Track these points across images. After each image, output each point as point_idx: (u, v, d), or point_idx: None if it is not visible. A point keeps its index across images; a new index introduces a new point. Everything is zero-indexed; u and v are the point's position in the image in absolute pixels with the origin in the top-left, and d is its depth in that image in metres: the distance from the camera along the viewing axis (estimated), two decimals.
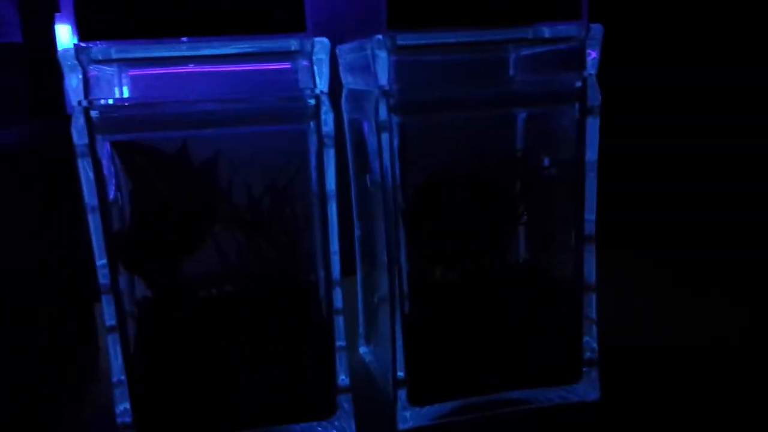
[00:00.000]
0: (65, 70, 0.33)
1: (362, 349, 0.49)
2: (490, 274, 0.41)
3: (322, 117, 0.36)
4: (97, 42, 0.33)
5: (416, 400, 0.40)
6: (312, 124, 0.36)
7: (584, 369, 0.42)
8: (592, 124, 0.40)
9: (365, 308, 0.48)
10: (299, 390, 0.39)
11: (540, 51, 0.40)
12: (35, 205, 0.41)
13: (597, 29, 0.39)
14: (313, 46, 0.35)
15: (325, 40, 0.35)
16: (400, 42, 0.36)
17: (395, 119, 0.37)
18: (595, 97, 0.39)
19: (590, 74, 0.39)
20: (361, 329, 0.49)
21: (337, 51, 0.43)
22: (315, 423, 0.39)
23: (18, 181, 0.37)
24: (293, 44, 0.35)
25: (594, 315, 0.42)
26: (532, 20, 0.38)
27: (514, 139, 0.42)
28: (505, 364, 0.41)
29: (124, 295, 0.37)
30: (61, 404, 0.41)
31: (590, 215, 0.41)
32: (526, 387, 0.42)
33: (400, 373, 0.40)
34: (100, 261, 0.36)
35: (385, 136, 0.37)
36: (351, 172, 0.45)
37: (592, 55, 0.39)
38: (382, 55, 0.36)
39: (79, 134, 0.34)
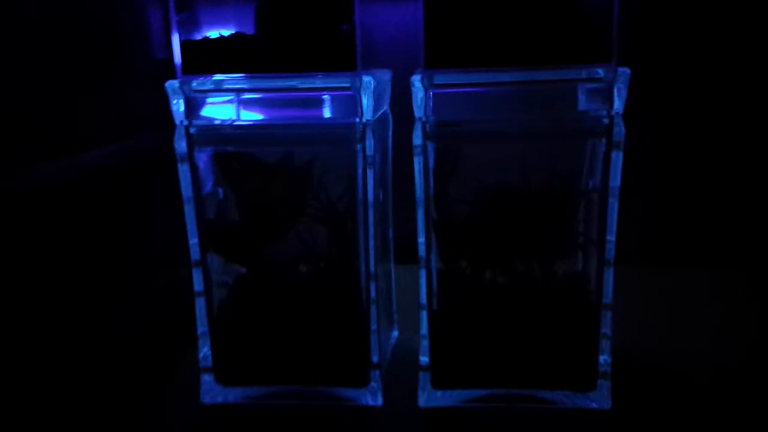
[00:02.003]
0: (170, 96, 0.49)
1: None
2: (511, 282, 0.51)
3: (366, 142, 0.48)
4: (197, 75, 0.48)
5: (437, 384, 0.52)
6: (359, 146, 0.49)
7: (599, 380, 0.51)
8: (617, 157, 0.48)
9: None
10: (340, 360, 0.53)
11: (572, 89, 0.48)
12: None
13: (624, 72, 0.46)
14: (360, 83, 0.47)
15: (369, 78, 0.47)
16: (436, 80, 0.47)
17: (431, 145, 0.49)
18: (620, 133, 0.47)
19: (617, 113, 0.47)
20: None
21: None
22: (351, 389, 0.53)
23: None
24: (345, 81, 0.47)
25: (609, 331, 0.50)
26: (564, 62, 0.47)
27: (543, 164, 0.51)
28: (520, 363, 0.52)
29: (211, 268, 0.53)
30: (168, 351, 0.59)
31: (611, 237, 0.49)
32: (540, 387, 0.52)
33: (424, 359, 0.52)
34: (192, 240, 0.52)
35: (419, 159, 0.48)
36: None
37: (620, 94, 0.47)
38: (419, 91, 0.47)
39: (179, 146, 0.49)
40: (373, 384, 0.53)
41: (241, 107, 0.49)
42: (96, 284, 0.53)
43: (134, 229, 0.57)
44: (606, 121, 0.47)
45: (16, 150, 0.42)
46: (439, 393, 0.52)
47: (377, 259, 0.52)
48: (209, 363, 0.54)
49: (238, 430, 0.51)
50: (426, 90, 0.47)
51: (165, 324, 0.65)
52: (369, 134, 0.48)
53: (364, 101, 0.48)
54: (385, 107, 0.56)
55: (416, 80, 0.47)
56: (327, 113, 0.49)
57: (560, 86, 0.47)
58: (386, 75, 0.55)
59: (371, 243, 0.50)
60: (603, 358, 0.51)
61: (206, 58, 0.48)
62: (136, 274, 0.60)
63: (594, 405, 0.51)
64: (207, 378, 0.54)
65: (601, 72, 0.46)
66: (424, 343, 0.52)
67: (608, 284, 0.50)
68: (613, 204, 0.48)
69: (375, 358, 0.52)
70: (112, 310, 0.56)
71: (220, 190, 0.54)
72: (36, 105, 0.46)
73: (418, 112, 0.48)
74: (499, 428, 0.50)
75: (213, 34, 0.48)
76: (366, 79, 0.47)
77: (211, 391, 0.54)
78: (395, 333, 0.63)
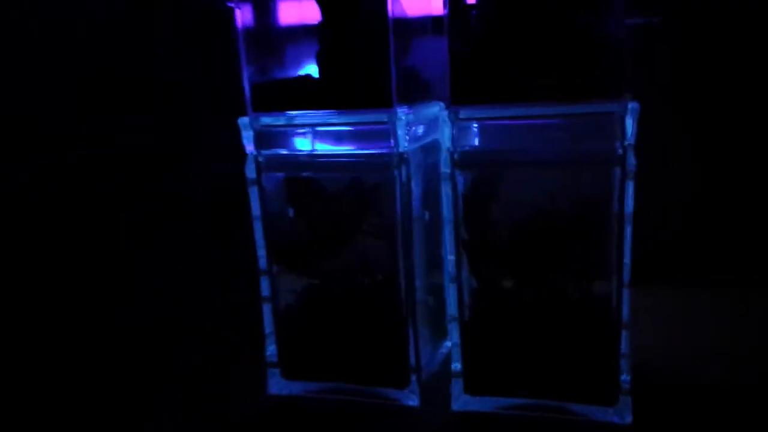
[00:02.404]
0: (242, 131, 0.58)
1: None
2: (536, 299, 0.56)
3: (402, 170, 0.55)
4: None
5: (469, 390, 0.58)
6: (396, 173, 0.56)
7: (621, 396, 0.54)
8: (629, 185, 0.51)
9: None
10: (383, 363, 0.60)
11: (586, 123, 0.52)
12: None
13: (634, 106, 0.50)
14: (396, 117, 0.54)
15: (402, 114, 0.54)
16: (462, 115, 0.53)
17: (459, 172, 0.55)
18: (631, 162, 0.51)
19: (629, 144, 0.51)
20: None
21: None
22: (392, 390, 0.60)
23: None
24: (383, 117, 0.55)
25: (626, 350, 0.53)
26: (578, 98, 0.51)
27: (560, 191, 0.55)
28: (546, 375, 0.56)
29: (277, 277, 0.62)
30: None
31: (627, 260, 0.52)
32: (565, 399, 0.55)
33: (457, 366, 0.58)
34: (260, 252, 0.61)
35: (446, 184, 0.55)
36: None
37: (630, 127, 0.50)
38: (447, 124, 0.54)
39: (250, 172, 0.59)
40: (411, 386, 0.59)
41: (303, 139, 0.58)
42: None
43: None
44: (619, 152, 0.51)
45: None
46: (471, 398, 0.58)
47: (418, 273, 0.59)
48: (275, 359, 0.63)
49: (299, 417, 0.59)
50: (452, 124, 0.54)
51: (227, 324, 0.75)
52: (405, 163, 0.55)
53: (399, 134, 0.55)
54: (436, 135, 0.63)
55: (443, 115, 0.54)
56: (370, 144, 0.56)
57: (576, 119, 0.52)
58: (436, 107, 0.62)
59: (404, 260, 0.57)
60: (623, 376, 0.54)
61: (272, 99, 0.58)
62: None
63: (616, 419, 0.54)
64: (273, 372, 0.63)
65: (613, 107, 0.50)
66: (456, 352, 0.58)
67: (625, 305, 0.53)
68: (628, 229, 0.52)
69: (412, 363, 0.59)
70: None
71: (290, 210, 0.63)
72: None
73: (445, 143, 0.54)
74: None
75: (277, 78, 0.58)
76: (400, 114, 0.54)
77: (277, 384, 0.63)
78: (449, 343, 0.69)
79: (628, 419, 0.54)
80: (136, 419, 0.60)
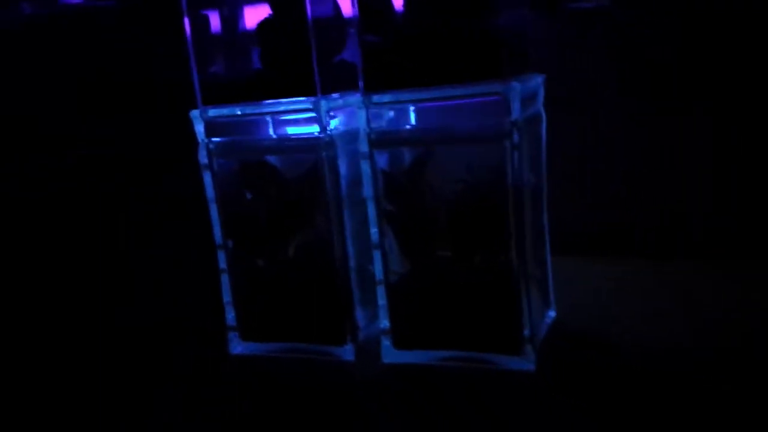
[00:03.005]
0: (194, 122, 0.67)
1: None
2: (451, 263, 0.63)
3: (327, 152, 0.63)
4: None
5: (396, 344, 0.65)
6: (324, 153, 0.64)
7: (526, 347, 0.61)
8: (517, 156, 0.58)
9: None
10: (325, 324, 0.68)
11: (484, 101, 0.59)
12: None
13: (516, 86, 0.57)
14: (321, 105, 0.62)
15: (325, 103, 0.62)
16: (374, 100, 0.61)
17: (376, 151, 0.62)
18: (517, 136, 0.58)
19: (515, 119, 0.58)
20: None
21: None
22: (332, 347, 0.68)
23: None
24: (309, 104, 0.63)
25: (529, 309, 0.60)
26: (470, 80, 0.58)
27: (461, 165, 0.62)
28: (462, 330, 0.63)
29: (230, 253, 0.71)
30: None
31: (523, 229, 0.59)
32: (480, 350, 0.62)
33: (385, 323, 0.65)
34: (216, 230, 0.70)
35: (365, 162, 0.62)
36: None
37: (514, 105, 0.57)
38: (362, 109, 0.61)
39: (202, 158, 0.68)
40: (350, 343, 0.67)
41: (248, 127, 0.67)
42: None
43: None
44: (506, 127, 0.58)
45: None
46: (399, 352, 0.65)
47: (351, 243, 0.66)
48: (234, 323, 0.71)
49: (257, 373, 0.68)
50: (366, 108, 0.61)
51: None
52: (332, 146, 0.63)
53: (324, 120, 0.63)
54: None
55: (358, 101, 0.61)
56: (306, 129, 0.64)
57: (468, 99, 0.59)
58: None
59: (348, 231, 0.65)
60: (526, 331, 0.61)
61: (217, 92, 0.66)
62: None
63: (520, 366, 0.61)
64: (233, 335, 0.72)
65: (497, 87, 0.57)
66: (384, 312, 0.65)
67: (521, 266, 0.60)
68: (521, 199, 0.59)
69: (348, 323, 0.67)
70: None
71: (247, 194, 0.71)
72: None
73: (362, 126, 0.62)
74: (446, 380, 0.61)
75: (222, 72, 0.67)
76: (325, 103, 0.62)
77: (238, 345, 0.72)
78: None
79: (531, 367, 0.61)
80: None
